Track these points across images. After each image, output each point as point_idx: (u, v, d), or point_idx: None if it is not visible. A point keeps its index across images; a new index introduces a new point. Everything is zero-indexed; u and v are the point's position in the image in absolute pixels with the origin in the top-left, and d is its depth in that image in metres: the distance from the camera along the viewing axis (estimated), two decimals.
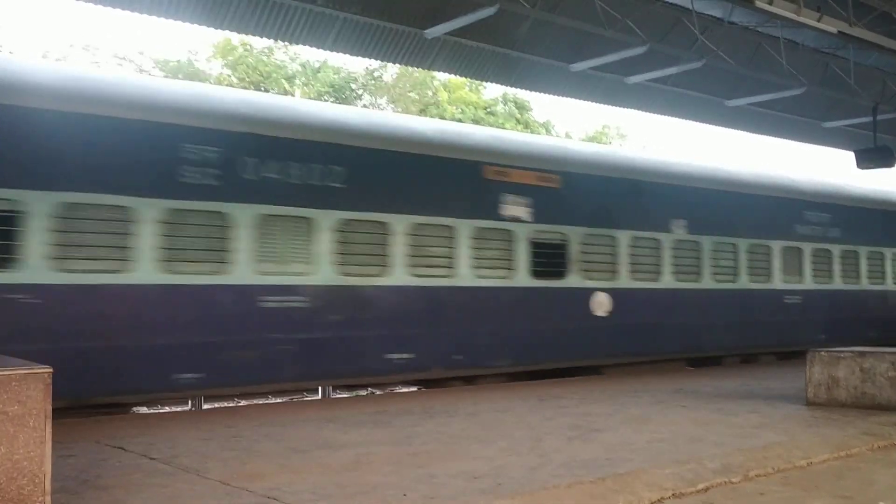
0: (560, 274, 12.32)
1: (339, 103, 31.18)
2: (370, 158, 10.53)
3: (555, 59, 14.86)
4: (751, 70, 15.96)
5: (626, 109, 18.04)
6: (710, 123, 19.15)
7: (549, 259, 12.19)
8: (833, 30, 13.33)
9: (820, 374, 9.27)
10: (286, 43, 15.94)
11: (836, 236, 16.98)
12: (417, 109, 34.30)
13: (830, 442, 7.19)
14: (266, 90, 30.75)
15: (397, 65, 17.00)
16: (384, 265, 10.48)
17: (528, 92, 20.17)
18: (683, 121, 19.27)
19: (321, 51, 14.20)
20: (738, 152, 61.37)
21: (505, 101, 37.03)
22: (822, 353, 9.32)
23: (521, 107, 37.27)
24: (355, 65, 38.51)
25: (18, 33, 41.90)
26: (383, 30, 13.19)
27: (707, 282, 14.40)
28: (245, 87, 30.19)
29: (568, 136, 41.12)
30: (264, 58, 33.32)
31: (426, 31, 13.13)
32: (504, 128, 32.41)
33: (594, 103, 17.33)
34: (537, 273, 12.01)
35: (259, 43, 32.05)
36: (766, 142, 53.61)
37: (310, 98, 31.59)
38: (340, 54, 14.05)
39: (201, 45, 45.17)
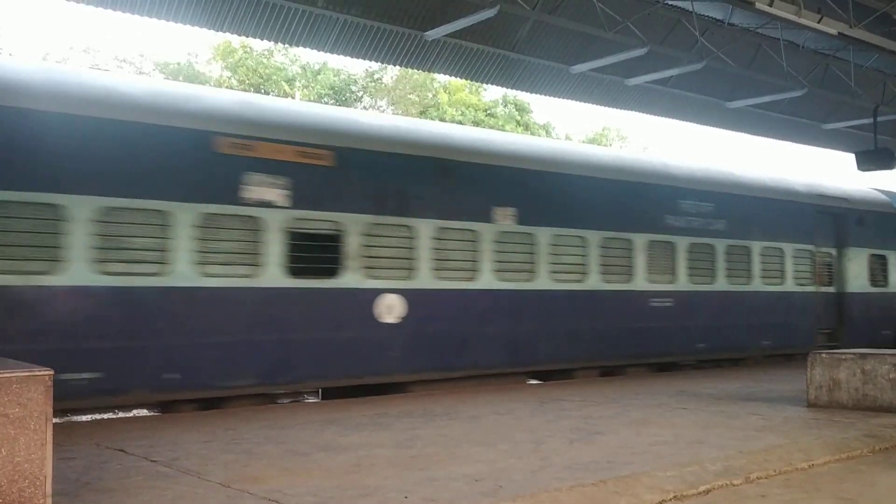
0: (331, 271, 10.08)
1: (339, 105, 31.19)
2: (31, 123, 8.26)
3: (555, 60, 14.89)
4: (751, 72, 15.99)
5: (626, 111, 18.08)
6: (710, 125, 19.19)
7: (314, 253, 9.98)
8: (833, 31, 13.36)
9: (821, 376, 9.25)
10: (286, 45, 15.92)
11: (720, 229, 14.58)
12: (417, 111, 34.29)
13: (832, 444, 7.18)
14: (266, 92, 30.75)
15: (397, 67, 16.99)
16: (55, 259, 8.24)
17: (528, 94, 20.22)
18: (684, 123, 19.30)
19: (321, 53, 14.22)
20: (738, 154, 61.47)
21: (505, 103, 37.07)
22: (824, 355, 9.32)
23: (522, 109, 37.32)
24: (355, 67, 38.54)
25: (19, 35, 41.95)
26: (383, 32, 13.21)
27: (544, 282, 12.05)
28: (245, 90, 30.20)
29: (568, 137, 41.14)
30: (264, 60, 33.36)
31: (426, 32, 13.15)
32: (504, 129, 32.31)
33: (594, 105, 17.36)
34: (296, 270, 9.78)
35: (259, 45, 32.16)
36: (767, 143, 53.62)
37: (310, 100, 31.55)
38: (340, 56, 14.06)
39: (201, 48, 45.41)
